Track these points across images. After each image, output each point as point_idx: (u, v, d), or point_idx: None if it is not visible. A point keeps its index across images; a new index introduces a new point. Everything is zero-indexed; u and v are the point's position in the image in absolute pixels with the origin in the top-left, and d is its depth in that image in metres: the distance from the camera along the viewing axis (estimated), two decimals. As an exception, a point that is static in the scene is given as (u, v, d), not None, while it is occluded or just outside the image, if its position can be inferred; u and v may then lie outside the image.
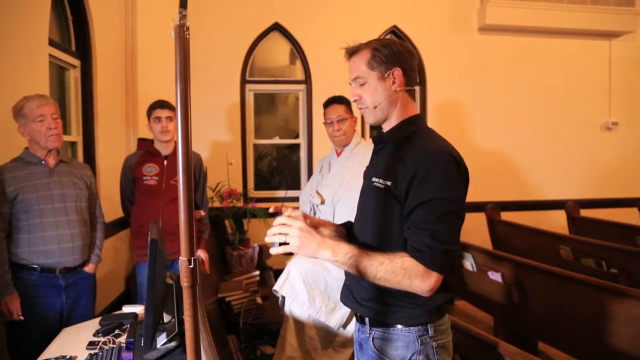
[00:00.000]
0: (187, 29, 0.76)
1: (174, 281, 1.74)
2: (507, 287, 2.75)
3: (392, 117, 1.27)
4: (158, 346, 1.65)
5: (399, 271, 1.09)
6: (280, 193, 4.43)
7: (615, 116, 4.88)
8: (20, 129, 2.00)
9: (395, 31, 4.51)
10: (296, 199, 3.43)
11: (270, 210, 1.31)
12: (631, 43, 4.88)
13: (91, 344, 1.70)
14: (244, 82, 4.34)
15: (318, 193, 2.54)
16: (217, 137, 4.26)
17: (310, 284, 2.30)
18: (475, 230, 3.81)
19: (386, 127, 1.30)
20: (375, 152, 1.35)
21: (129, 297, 3.46)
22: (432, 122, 4.44)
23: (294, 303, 2.31)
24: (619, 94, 4.87)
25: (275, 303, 2.58)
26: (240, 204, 3.99)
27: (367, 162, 1.39)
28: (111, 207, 3.02)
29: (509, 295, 2.73)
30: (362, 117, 1.30)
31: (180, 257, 0.81)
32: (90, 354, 1.62)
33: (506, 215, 4.29)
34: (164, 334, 1.71)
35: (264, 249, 3.78)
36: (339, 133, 2.48)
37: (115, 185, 2.83)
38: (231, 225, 3.90)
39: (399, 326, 1.22)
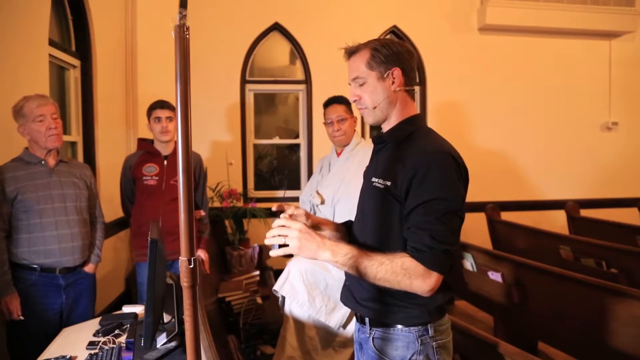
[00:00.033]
0: (187, 29, 0.76)
1: (174, 281, 1.74)
2: (507, 287, 2.75)
3: (392, 117, 1.27)
4: (158, 346, 1.65)
5: (399, 271, 1.09)
6: (280, 193, 4.43)
7: (615, 116, 4.88)
8: (20, 129, 2.00)
9: (395, 31, 4.50)
10: (296, 199, 3.44)
11: (274, 209, 1.31)
12: (631, 43, 4.88)
13: (91, 344, 1.70)
14: (244, 82, 4.34)
15: (318, 193, 2.54)
16: (217, 137, 4.26)
17: (310, 284, 2.30)
18: (475, 230, 3.80)
19: (386, 127, 1.29)
20: (375, 152, 1.35)
21: (129, 297, 3.46)
22: (432, 122, 4.44)
23: (294, 303, 2.31)
24: (619, 94, 4.87)
25: (275, 303, 2.58)
26: (240, 204, 3.99)
27: (367, 162, 1.39)
28: (111, 207, 3.02)
29: (509, 295, 2.72)
30: (362, 117, 1.30)
31: (180, 257, 0.81)
32: (90, 354, 1.62)
33: (506, 215, 4.28)
34: (164, 334, 1.71)
35: (264, 249, 3.78)
36: (339, 133, 2.48)
37: (115, 185, 2.83)
38: (231, 225, 3.90)
39: (399, 326, 1.22)
